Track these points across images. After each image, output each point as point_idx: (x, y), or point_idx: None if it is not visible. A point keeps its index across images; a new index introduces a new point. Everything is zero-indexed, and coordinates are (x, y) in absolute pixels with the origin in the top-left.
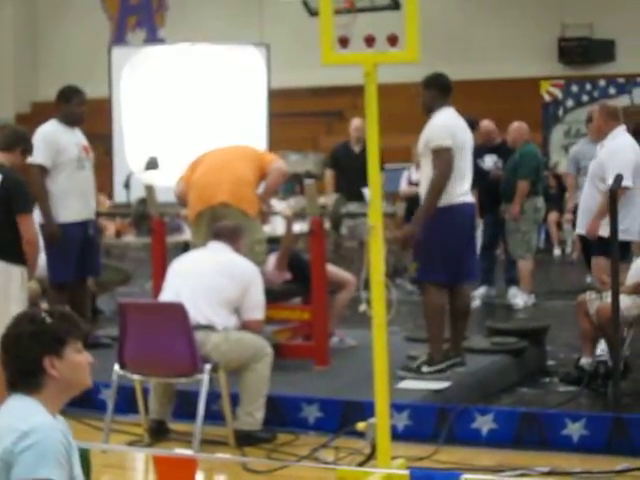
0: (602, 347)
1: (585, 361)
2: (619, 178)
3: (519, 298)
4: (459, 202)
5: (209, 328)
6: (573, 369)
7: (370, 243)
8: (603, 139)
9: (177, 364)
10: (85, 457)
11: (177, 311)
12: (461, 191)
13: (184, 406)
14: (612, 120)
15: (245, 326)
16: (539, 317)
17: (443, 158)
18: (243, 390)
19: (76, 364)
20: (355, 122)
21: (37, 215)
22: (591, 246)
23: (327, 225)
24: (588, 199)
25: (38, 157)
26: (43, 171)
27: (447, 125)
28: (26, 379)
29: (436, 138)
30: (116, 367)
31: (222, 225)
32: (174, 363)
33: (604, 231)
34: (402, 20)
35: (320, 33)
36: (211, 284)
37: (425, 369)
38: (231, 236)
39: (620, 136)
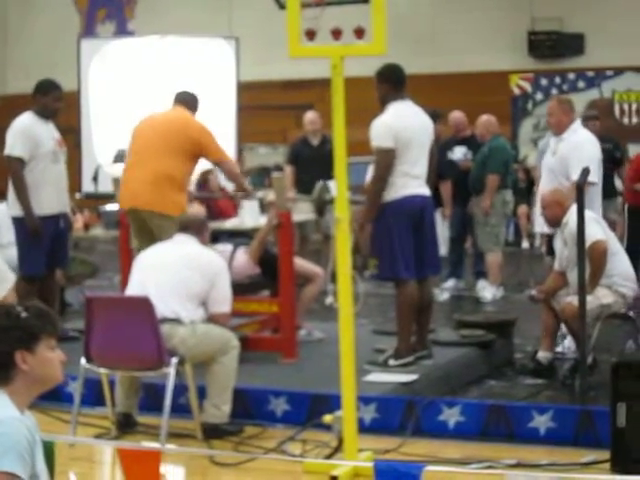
0: (567, 344)
1: (542, 355)
2: (586, 171)
3: (487, 291)
4: (404, 195)
5: (176, 321)
6: (529, 361)
7: (336, 235)
8: (562, 133)
9: (143, 358)
10: (50, 450)
11: (143, 305)
12: (407, 184)
13: (151, 399)
14: (572, 113)
15: (212, 319)
16: (507, 310)
17: (381, 159)
18: (210, 383)
19: (48, 361)
20: (309, 115)
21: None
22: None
23: (312, 211)
24: None
25: (17, 149)
26: (22, 164)
27: (389, 125)
28: None
29: (376, 138)
30: (82, 361)
31: (189, 218)
32: (140, 357)
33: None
34: (369, 13)
35: (287, 26)
36: (178, 277)
37: (392, 362)
38: (198, 229)
39: (580, 130)
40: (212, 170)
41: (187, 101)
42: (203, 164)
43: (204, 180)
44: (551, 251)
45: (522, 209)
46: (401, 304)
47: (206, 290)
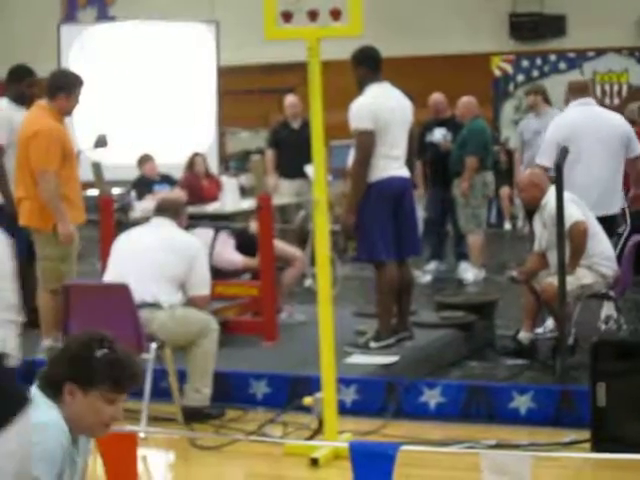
0: (548, 325)
1: (523, 335)
2: (564, 151)
3: (470, 273)
4: (385, 177)
5: (155, 306)
6: (510, 342)
7: (315, 217)
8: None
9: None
10: None
11: (121, 292)
12: (387, 166)
13: None
14: (576, 94)
15: (191, 302)
16: (489, 291)
17: (361, 141)
18: (190, 366)
19: (94, 410)
20: (289, 99)
21: None
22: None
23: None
24: None
25: None
26: (1, 151)
27: (367, 106)
28: (49, 384)
29: (355, 119)
30: None
31: (165, 200)
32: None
33: None
34: None
35: (264, 8)
36: (156, 260)
37: (373, 344)
38: (175, 211)
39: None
40: (200, 153)
41: (49, 91)
42: (190, 147)
43: (191, 162)
44: None
45: (504, 191)
46: (381, 286)
47: (184, 273)
